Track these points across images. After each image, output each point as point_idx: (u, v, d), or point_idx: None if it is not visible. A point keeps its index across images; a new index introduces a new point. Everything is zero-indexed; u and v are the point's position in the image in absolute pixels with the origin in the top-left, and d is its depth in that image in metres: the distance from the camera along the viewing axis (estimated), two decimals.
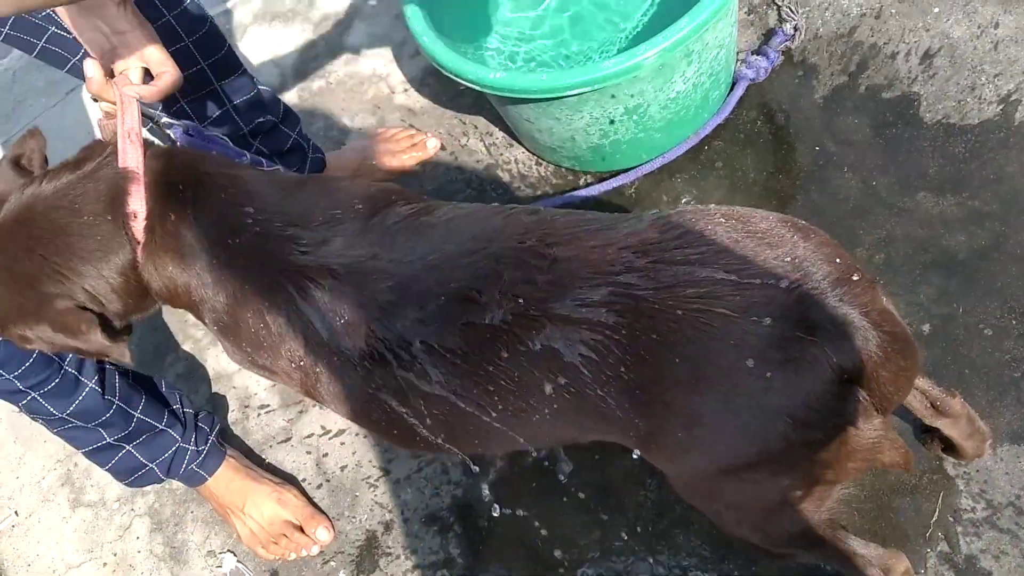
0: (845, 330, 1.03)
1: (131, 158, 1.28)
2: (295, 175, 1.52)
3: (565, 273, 1.14)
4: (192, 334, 2.26)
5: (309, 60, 2.64)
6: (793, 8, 2.11)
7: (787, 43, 2.10)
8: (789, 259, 1.07)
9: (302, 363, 1.31)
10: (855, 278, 1.07)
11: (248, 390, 2.12)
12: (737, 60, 2.13)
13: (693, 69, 1.85)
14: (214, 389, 2.16)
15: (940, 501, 1.54)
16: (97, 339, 1.29)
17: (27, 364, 1.54)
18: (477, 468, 1.81)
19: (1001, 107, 1.86)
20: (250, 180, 1.37)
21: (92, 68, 1.29)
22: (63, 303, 1.28)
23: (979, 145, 1.84)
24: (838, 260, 1.09)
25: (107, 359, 1.42)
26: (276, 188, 1.36)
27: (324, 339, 1.26)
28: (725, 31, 1.89)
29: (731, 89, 2.10)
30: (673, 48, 1.69)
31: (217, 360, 2.20)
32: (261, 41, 2.77)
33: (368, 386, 1.27)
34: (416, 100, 2.44)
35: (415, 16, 1.94)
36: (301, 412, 2.05)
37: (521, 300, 1.15)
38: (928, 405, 1.45)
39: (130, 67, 1.33)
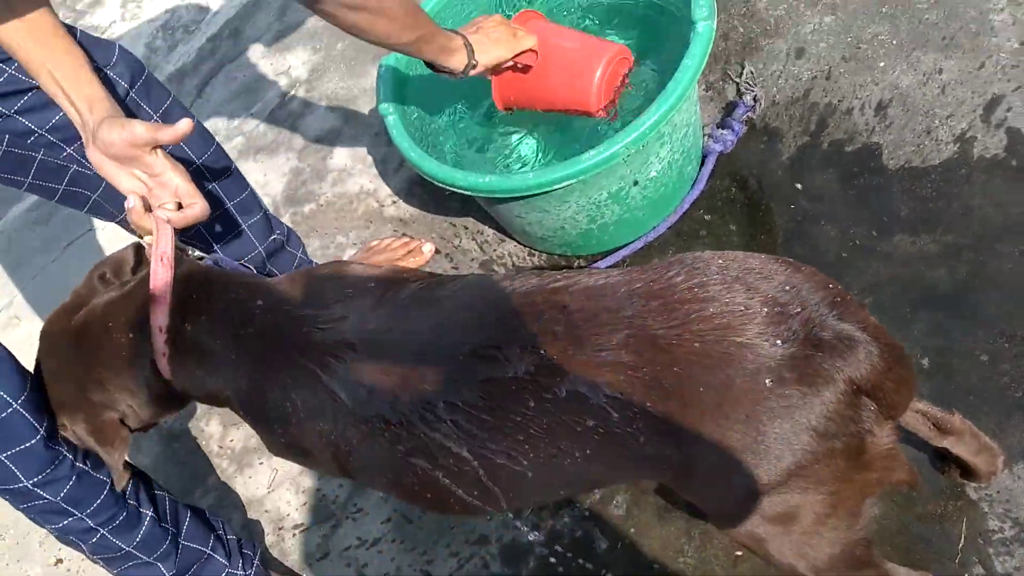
0: (850, 344, 1.14)
1: (160, 279, 1.41)
2: (305, 270, 1.62)
3: (580, 322, 1.24)
4: (218, 464, 2.31)
5: (298, 186, 2.75)
6: (750, 81, 2.25)
7: (748, 113, 2.23)
8: (787, 288, 1.19)
9: (332, 437, 1.37)
10: (847, 299, 1.20)
11: (280, 511, 2.16)
12: (704, 135, 2.25)
13: (667, 149, 1.97)
14: (248, 515, 2.19)
15: (965, 525, 1.60)
16: (121, 456, 1.49)
17: (98, 500, 1.60)
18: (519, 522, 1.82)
19: (958, 145, 1.99)
20: (257, 281, 1.50)
21: (134, 200, 1.39)
22: (109, 415, 1.47)
23: (943, 183, 1.96)
24: (830, 286, 1.21)
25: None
26: (285, 281, 1.49)
27: (350, 409, 1.34)
28: (690, 111, 2.02)
29: (702, 163, 2.22)
30: (647, 133, 1.80)
31: (246, 486, 2.24)
32: (248, 175, 2.86)
33: (398, 451, 1.34)
34: (406, 210, 2.55)
35: (400, 134, 2.06)
36: (335, 527, 2.09)
37: (543, 351, 1.23)
38: (931, 426, 1.54)
39: (164, 202, 1.43)
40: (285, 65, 3.10)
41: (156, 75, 3.28)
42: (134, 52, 3.44)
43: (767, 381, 1.13)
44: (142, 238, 1.49)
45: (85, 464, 1.59)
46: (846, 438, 1.17)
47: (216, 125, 3.07)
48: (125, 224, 2.07)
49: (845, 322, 1.16)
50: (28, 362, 1.55)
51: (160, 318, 1.40)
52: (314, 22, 3.15)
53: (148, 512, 1.71)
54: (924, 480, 1.65)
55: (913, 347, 1.79)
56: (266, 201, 2.75)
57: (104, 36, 3.57)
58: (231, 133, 3.01)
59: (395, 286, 1.42)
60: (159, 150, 1.37)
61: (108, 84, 1.61)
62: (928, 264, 1.88)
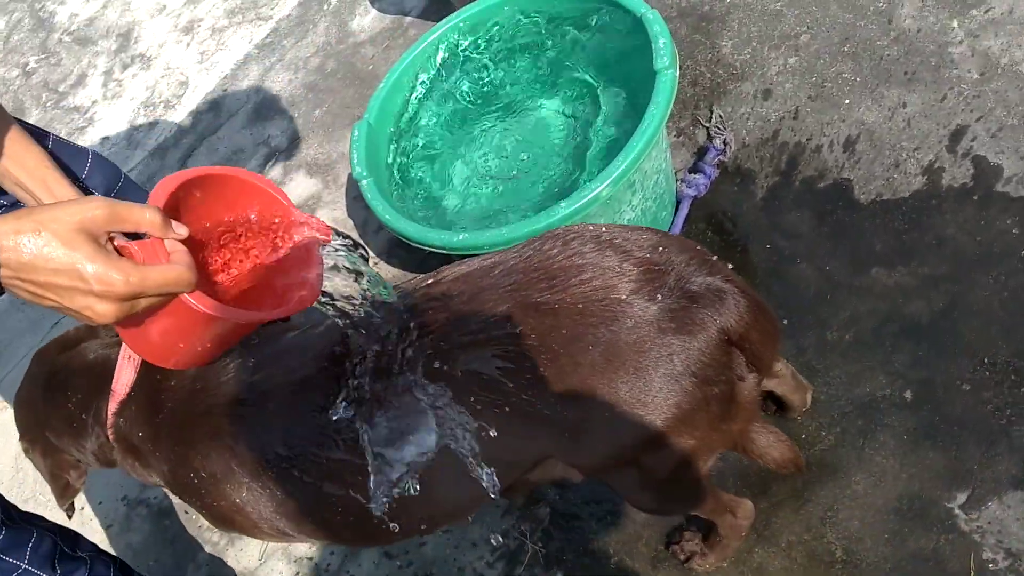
0: (720, 296, 1.26)
1: (123, 380, 1.48)
2: None
3: (461, 304, 1.30)
4: (209, 537, 2.28)
5: None
6: (720, 125, 2.28)
7: (720, 157, 2.26)
8: (658, 250, 1.29)
9: (247, 489, 1.41)
10: (713, 259, 1.32)
11: None
12: (677, 180, 2.27)
13: (639, 197, 1.98)
14: None
15: (972, 561, 1.58)
16: (71, 493, 1.65)
17: None
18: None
19: (927, 177, 2.00)
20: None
21: None
22: (63, 455, 1.60)
23: (916, 215, 1.97)
24: (697, 248, 1.33)
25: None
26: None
27: (252, 456, 1.38)
28: (659, 157, 2.04)
29: (676, 208, 2.24)
30: (617, 181, 1.82)
31: (238, 559, 2.21)
32: None
33: (308, 482, 1.37)
34: (387, 271, 2.56)
35: (375, 197, 2.08)
36: None
37: (428, 338, 1.28)
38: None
39: None
40: (264, 134, 3.14)
41: (139, 151, 3.34)
42: (116, 130, 3.51)
43: (649, 332, 1.22)
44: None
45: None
46: (722, 384, 1.27)
47: None
48: None
49: (713, 277, 1.27)
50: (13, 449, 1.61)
51: (113, 408, 1.50)
52: (292, 91, 3.20)
53: None
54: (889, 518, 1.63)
55: (895, 379, 1.79)
56: None
57: (87, 115, 3.65)
58: None
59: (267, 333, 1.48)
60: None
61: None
62: (906, 296, 1.88)
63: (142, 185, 3.22)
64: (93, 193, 1.70)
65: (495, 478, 1.28)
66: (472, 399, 1.27)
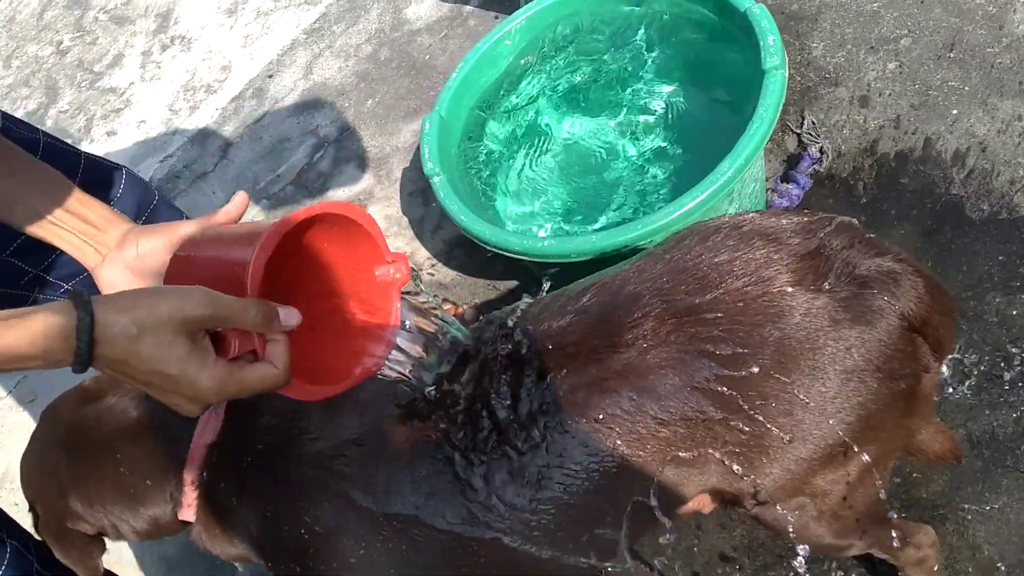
0: (894, 278, 1.10)
1: (207, 433, 1.29)
2: None
3: (610, 319, 1.15)
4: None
5: None
6: (814, 132, 2.13)
7: (815, 166, 2.10)
8: (814, 236, 1.13)
9: (366, 546, 1.21)
10: (873, 237, 1.15)
11: None
12: (768, 189, 2.12)
13: (735, 206, 1.83)
14: None
15: None
16: (91, 567, 1.38)
17: None
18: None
19: None
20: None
21: None
22: (85, 527, 1.34)
23: None
24: (855, 226, 1.16)
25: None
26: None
27: (374, 510, 1.19)
28: (757, 164, 1.89)
29: None
30: (721, 190, 1.67)
31: None
32: None
33: (443, 537, 1.19)
34: (446, 273, 2.41)
35: (448, 196, 1.93)
36: None
37: (596, 362, 1.14)
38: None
39: None
40: (312, 124, 3.00)
41: (177, 136, 3.19)
42: (154, 113, 3.37)
43: (822, 325, 1.07)
44: None
45: None
46: (908, 377, 1.13)
47: (240, 186, 2.95)
48: None
49: (882, 258, 1.12)
50: None
51: (194, 471, 1.29)
52: (342, 79, 3.05)
53: None
54: None
55: (1021, 417, 1.64)
56: None
57: (123, 97, 3.51)
58: (256, 196, 2.88)
59: None
60: None
61: None
62: None
63: (180, 174, 3.10)
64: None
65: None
66: (628, 430, 1.12)
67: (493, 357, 1.19)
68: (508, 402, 1.15)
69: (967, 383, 1.70)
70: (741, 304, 1.09)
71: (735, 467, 1.15)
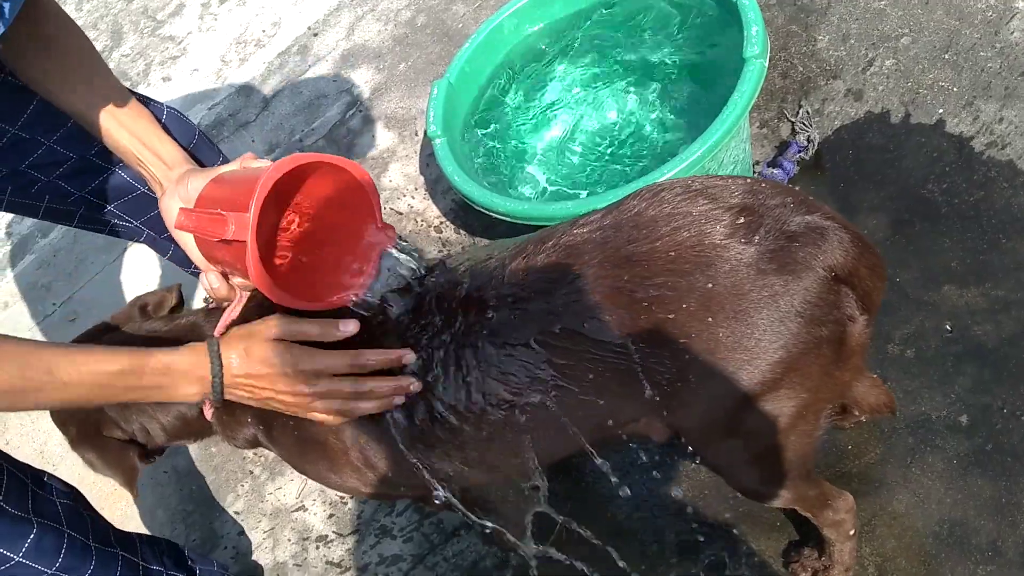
0: (821, 233, 1.19)
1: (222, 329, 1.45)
2: None
3: (545, 262, 1.27)
4: (252, 470, 2.34)
5: None
6: (806, 121, 2.22)
7: (801, 153, 2.20)
8: (749, 194, 1.24)
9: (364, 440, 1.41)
10: (809, 199, 1.25)
11: (306, 523, 2.18)
12: (753, 173, 2.23)
13: None
14: (274, 524, 2.22)
15: None
16: (136, 475, 1.52)
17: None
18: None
19: (1016, 198, 1.92)
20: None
21: (216, 279, 1.42)
22: (118, 432, 1.51)
23: (999, 236, 1.90)
24: (793, 190, 1.26)
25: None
26: None
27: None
28: (739, 148, 2.00)
29: None
30: (691, 167, 1.79)
31: (276, 496, 2.26)
32: None
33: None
34: (451, 233, 2.56)
35: (446, 157, 2.08)
36: (358, 542, 2.10)
37: (541, 295, 1.26)
38: None
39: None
40: (348, 83, 3.16)
41: (225, 86, 3.39)
42: (207, 63, 3.57)
43: (748, 275, 1.17)
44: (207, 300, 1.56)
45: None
46: (832, 324, 1.21)
47: (277, 138, 3.15)
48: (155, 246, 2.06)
49: (811, 214, 1.21)
50: None
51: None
52: (380, 42, 3.21)
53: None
54: None
55: (953, 401, 1.74)
56: None
57: (180, 45, 3.71)
58: (291, 147, 3.07)
59: None
60: None
61: None
62: (975, 318, 1.82)
63: (224, 122, 3.30)
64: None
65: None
66: (561, 359, 1.25)
67: (442, 291, 1.34)
68: (452, 328, 1.31)
69: (906, 365, 1.81)
70: (674, 254, 1.19)
71: (662, 400, 1.26)
